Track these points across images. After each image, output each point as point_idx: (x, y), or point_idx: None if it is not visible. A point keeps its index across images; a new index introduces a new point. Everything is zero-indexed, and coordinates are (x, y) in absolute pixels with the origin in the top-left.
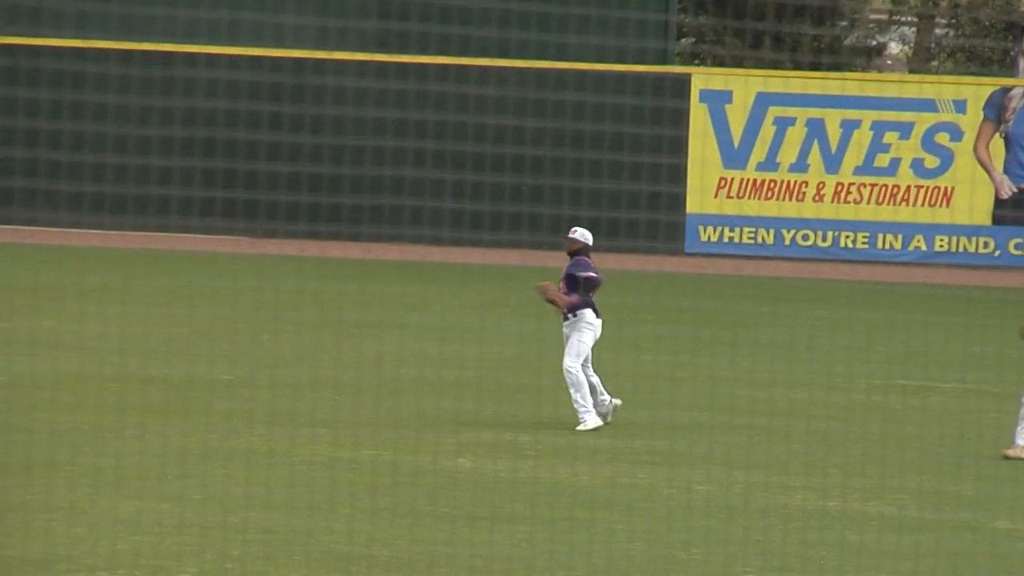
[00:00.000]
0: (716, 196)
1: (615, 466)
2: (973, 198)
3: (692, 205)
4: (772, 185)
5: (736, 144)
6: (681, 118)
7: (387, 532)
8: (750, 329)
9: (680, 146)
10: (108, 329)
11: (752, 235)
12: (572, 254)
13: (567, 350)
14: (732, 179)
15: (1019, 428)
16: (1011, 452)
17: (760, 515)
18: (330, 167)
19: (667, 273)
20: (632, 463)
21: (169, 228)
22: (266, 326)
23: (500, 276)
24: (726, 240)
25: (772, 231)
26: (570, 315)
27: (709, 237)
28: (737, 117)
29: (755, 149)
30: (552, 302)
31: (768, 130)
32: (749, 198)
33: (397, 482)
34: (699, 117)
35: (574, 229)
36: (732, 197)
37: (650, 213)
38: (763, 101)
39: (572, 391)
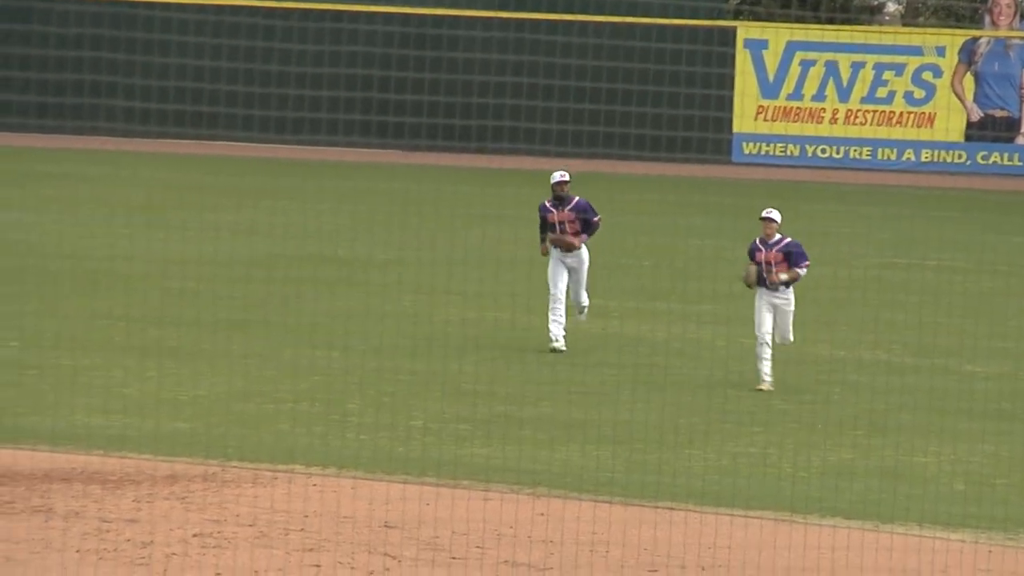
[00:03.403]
0: (755, 119)
1: (682, 325)
2: (950, 121)
3: (737, 126)
4: (798, 111)
5: (771, 80)
6: (728, 60)
7: (504, 374)
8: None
9: (727, 81)
10: (291, 219)
11: (782, 149)
12: (562, 196)
13: (582, 283)
14: (767, 106)
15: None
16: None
17: (786, 363)
18: (462, 97)
19: (716, 178)
20: (687, 322)
21: (337, 144)
22: (412, 217)
23: (588, 179)
24: (763, 153)
25: (798, 146)
26: (571, 250)
27: (750, 151)
28: (772, 59)
29: (785, 84)
30: (570, 246)
31: (795, 69)
32: (780, 121)
33: (513, 336)
34: (742, 59)
35: (561, 173)
36: (767, 120)
37: (703, 132)
38: (791, 47)
39: (583, 316)
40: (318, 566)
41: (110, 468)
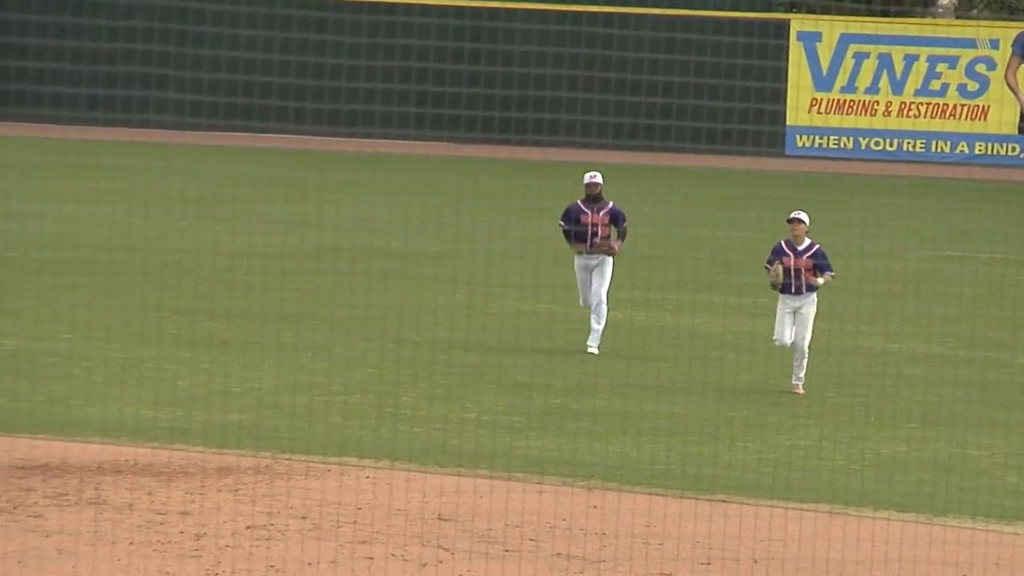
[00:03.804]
0: (809, 112)
1: (731, 318)
2: (1003, 114)
3: (790, 119)
4: (851, 103)
5: (824, 72)
6: (782, 53)
7: (559, 366)
8: (833, 213)
9: (781, 74)
10: (344, 212)
11: (836, 142)
12: (595, 197)
13: (605, 281)
14: (821, 99)
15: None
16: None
17: (839, 354)
18: (518, 90)
19: (770, 171)
20: (742, 315)
21: (390, 136)
22: (465, 210)
23: (642, 172)
24: (816, 145)
25: (851, 138)
26: (597, 246)
27: (803, 143)
28: (825, 52)
29: (839, 76)
30: (611, 252)
31: (849, 62)
32: (834, 113)
33: (568, 328)
34: (796, 52)
35: (594, 174)
36: (821, 113)
37: (757, 125)
38: (845, 40)
39: (603, 320)
40: (371, 558)
41: (163, 460)
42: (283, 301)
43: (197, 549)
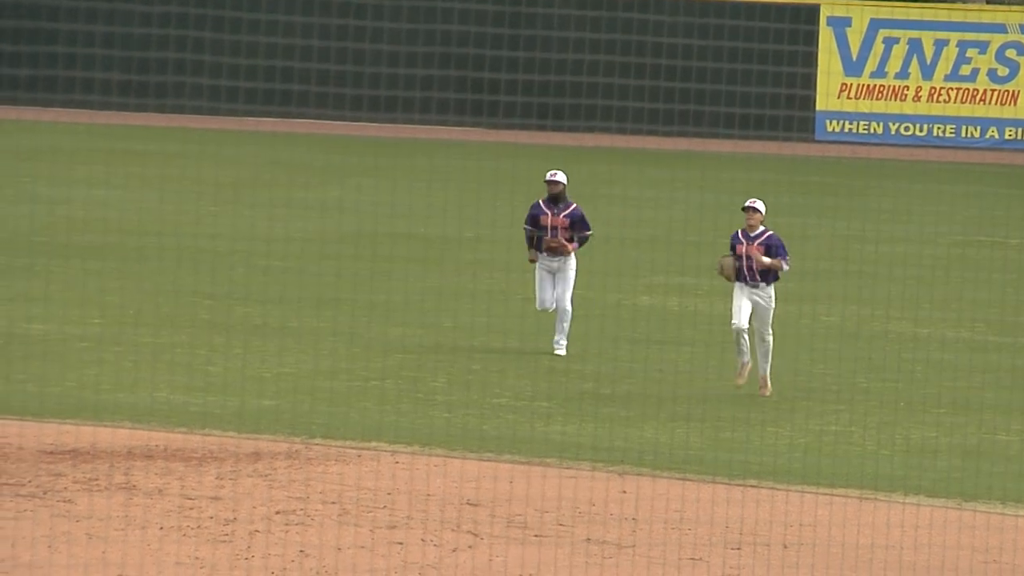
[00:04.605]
0: (839, 97)
1: None
2: None
3: (820, 104)
4: (881, 88)
5: (854, 58)
6: (812, 38)
7: (588, 352)
8: (863, 198)
9: (811, 59)
10: (380, 198)
11: (866, 127)
12: (557, 198)
13: (568, 286)
14: (851, 84)
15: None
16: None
17: (869, 339)
18: (555, 75)
19: (800, 156)
20: (779, 301)
21: (427, 122)
22: (501, 196)
23: (673, 157)
24: (846, 131)
25: (881, 124)
26: (560, 255)
27: (833, 128)
28: (855, 37)
29: (868, 61)
30: (562, 250)
31: (879, 47)
32: (864, 98)
33: (602, 314)
34: (826, 37)
35: (555, 172)
36: (851, 98)
37: (787, 110)
38: (875, 25)
39: (567, 323)
40: (401, 544)
41: (193, 445)
42: (317, 286)
43: (227, 534)
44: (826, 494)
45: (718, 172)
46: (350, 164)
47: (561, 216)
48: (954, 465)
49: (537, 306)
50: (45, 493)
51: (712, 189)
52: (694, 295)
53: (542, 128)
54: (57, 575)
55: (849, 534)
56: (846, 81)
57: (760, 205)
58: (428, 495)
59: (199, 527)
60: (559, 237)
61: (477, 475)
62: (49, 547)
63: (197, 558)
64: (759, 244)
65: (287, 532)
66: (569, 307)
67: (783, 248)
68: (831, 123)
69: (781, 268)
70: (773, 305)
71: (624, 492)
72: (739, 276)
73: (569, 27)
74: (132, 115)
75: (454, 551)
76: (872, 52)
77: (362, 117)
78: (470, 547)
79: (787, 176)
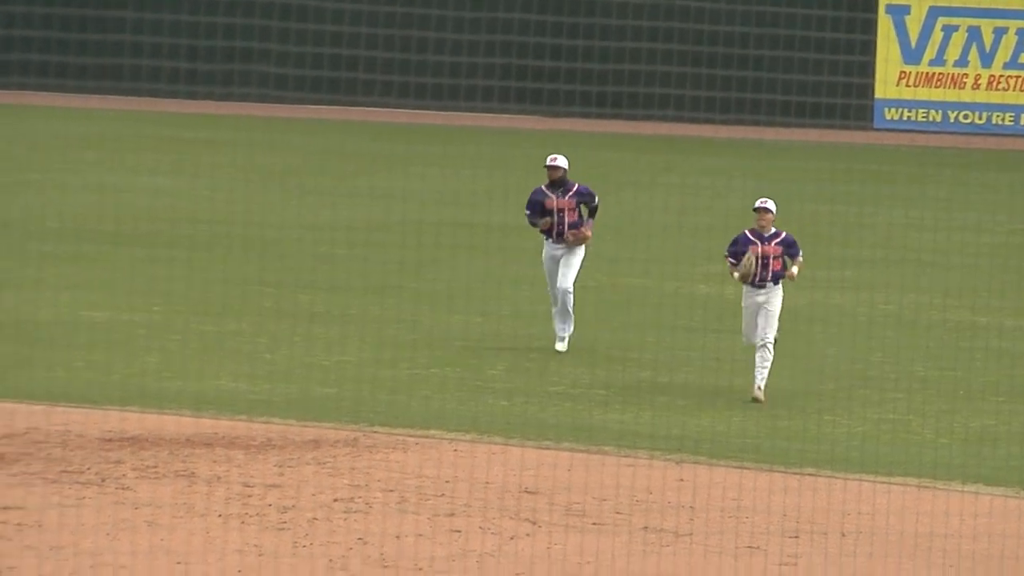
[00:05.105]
0: (897, 85)
1: (819, 292)
2: None
3: (879, 92)
4: (940, 77)
5: (913, 46)
6: (871, 26)
7: (641, 340)
8: (920, 186)
9: (870, 48)
10: (426, 185)
11: (924, 115)
12: (557, 181)
13: (572, 270)
14: (910, 72)
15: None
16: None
17: (927, 327)
18: (599, 64)
19: (858, 144)
20: (829, 288)
21: (477, 109)
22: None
23: (730, 146)
24: (904, 119)
25: (940, 111)
26: (567, 240)
27: (892, 116)
28: (914, 25)
29: (927, 50)
30: (585, 240)
31: (937, 35)
32: (922, 86)
33: (660, 302)
34: (884, 25)
35: (554, 156)
36: (910, 86)
37: (846, 99)
38: (933, 13)
39: (570, 307)
40: (459, 531)
41: (253, 433)
42: (372, 274)
43: (285, 522)
44: (884, 482)
45: (775, 160)
46: (402, 152)
47: (567, 198)
48: (1013, 453)
49: (550, 294)
50: (104, 480)
51: (769, 178)
52: None
53: (593, 116)
54: (117, 562)
55: (907, 523)
56: (905, 69)
57: (771, 205)
58: (486, 483)
59: (258, 515)
60: (573, 225)
61: (535, 463)
62: (108, 535)
63: (256, 546)
64: (777, 244)
65: (346, 520)
66: (572, 290)
67: (797, 245)
68: (889, 111)
69: (801, 269)
70: (780, 305)
71: (681, 480)
72: (751, 279)
73: (626, 15)
74: (198, 103)
75: (512, 539)
76: (931, 40)
77: (412, 105)
78: (528, 535)
79: (844, 164)
